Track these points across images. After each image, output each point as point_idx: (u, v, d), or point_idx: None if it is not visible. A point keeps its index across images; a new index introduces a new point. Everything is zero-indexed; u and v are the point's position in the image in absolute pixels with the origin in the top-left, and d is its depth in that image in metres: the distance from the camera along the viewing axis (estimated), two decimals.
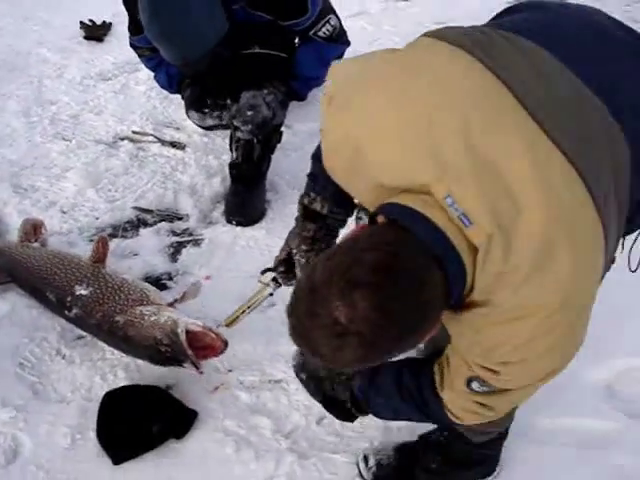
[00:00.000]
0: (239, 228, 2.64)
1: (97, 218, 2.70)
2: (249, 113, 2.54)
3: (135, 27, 2.58)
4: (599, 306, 2.12)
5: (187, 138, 3.12)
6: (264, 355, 2.16)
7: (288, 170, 2.91)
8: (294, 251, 1.72)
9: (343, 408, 1.73)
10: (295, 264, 1.74)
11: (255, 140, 2.62)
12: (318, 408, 1.97)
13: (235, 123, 2.60)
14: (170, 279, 2.45)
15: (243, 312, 1.98)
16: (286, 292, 2.28)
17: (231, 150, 2.72)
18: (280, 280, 1.84)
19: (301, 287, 1.14)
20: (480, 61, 1.18)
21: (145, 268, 2.47)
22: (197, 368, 1.93)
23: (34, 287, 2.26)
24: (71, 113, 3.33)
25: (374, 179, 1.24)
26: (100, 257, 2.24)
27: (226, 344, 1.96)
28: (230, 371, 2.11)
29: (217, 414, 1.98)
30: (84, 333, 2.20)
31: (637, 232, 1.50)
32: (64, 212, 2.72)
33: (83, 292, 2.12)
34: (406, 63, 1.27)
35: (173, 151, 3.05)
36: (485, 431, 1.58)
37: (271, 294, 1.94)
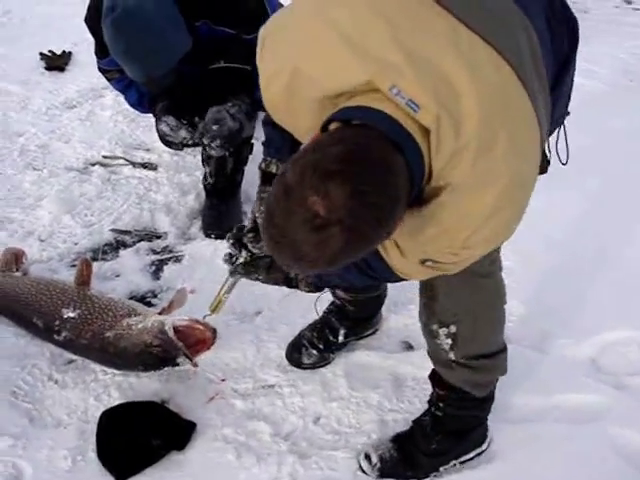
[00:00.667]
0: (218, 241, 2.66)
1: (76, 243, 2.71)
2: (214, 127, 2.56)
3: (101, 50, 2.60)
4: (579, 282, 2.20)
5: (158, 158, 3.16)
6: (255, 362, 2.19)
7: None
8: (257, 215, 1.78)
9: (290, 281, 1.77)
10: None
11: (227, 154, 2.65)
12: (314, 408, 2.02)
13: (204, 141, 2.62)
14: (155, 296, 2.47)
15: (224, 294, 1.97)
16: (272, 300, 2.35)
17: (204, 165, 2.75)
18: (250, 245, 1.83)
19: (274, 193, 1.16)
20: None
21: (129, 288, 2.49)
22: (191, 360, 1.98)
23: (20, 315, 2.27)
24: (39, 143, 3.34)
25: (317, 93, 1.30)
26: (84, 279, 2.26)
27: (215, 333, 2.02)
28: (223, 380, 2.13)
29: (215, 423, 2.00)
30: (74, 357, 2.21)
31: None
32: (42, 240, 2.73)
33: (71, 314, 2.14)
34: None
35: (145, 172, 3.08)
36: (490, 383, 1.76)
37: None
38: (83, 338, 2.11)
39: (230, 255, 1.85)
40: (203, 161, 2.75)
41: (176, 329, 2.02)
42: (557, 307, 2.28)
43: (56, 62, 4.07)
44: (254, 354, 2.21)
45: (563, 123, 1.63)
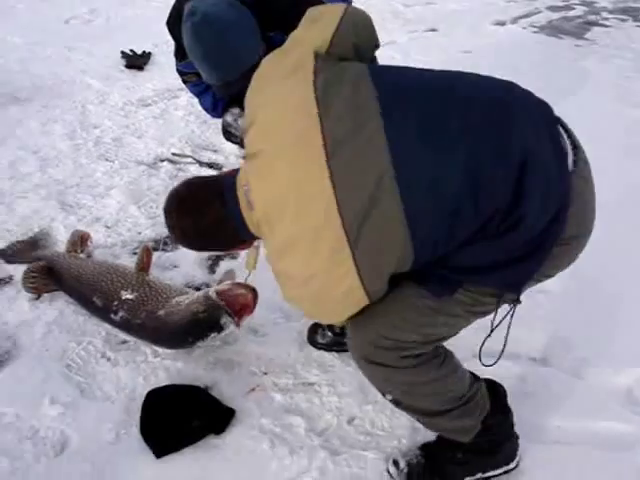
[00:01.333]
0: None
1: (139, 233, 2.84)
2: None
3: (181, 53, 2.72)
4: (619, 315, 2.23)
5: (224, 159, 3.28)
6: (297, 359, 2.26)
7: None
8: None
9: None
10: None
11: None
12: (349, 409, 2.08)
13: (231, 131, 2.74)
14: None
15: (256, 248, 2.06)
16: None
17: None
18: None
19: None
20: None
21: (185, 279, 2.60)
22: (233, 318, 2.12)
23: (82, 294, 2.39)
24: (114, 136, 3.51)
25: None
26: (144, 265, 2.38)
27: (255, 293, 2.14)
28: (265, 374, 2.21)
29: (253, 413, 2.08)
30: (128, 338, 2.32)
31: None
32: (108, 227, 2.87)
33: (129, 296, 2.26)
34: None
35: (211, 172, 3.20)
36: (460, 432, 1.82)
37: None
38: (138, 318, 2.23)
39: None
40: None
41: (219, 293, 2.16)
42: (598, 335, 2.30)
43: (136, 61, 4.25)
44: (297, 352, 2.29)
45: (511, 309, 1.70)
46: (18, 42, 4.66)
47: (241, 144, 2.91)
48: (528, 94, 1.60)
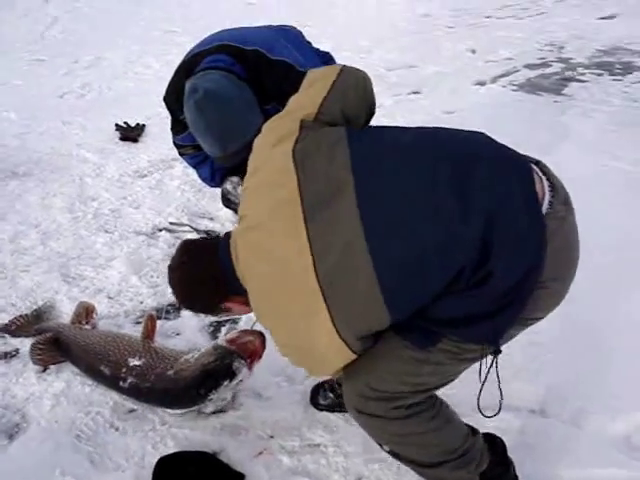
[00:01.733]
0: None
1: (141, 302, 2.91)
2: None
3: (177, 127, 2.84)
4: (612, 363, 2.30)
5: (220, 227, 3.37)
6: (302, 421, 2.31)
7: None
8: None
9: None
10: None
11: None
12: (356, 468, 2.12)
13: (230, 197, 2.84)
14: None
15: None
16: None
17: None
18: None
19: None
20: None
21: (188, 346, 2.64)
22: (247, 361, 2.20)
23: (88, 364, 2.45)
24: (112, 208, 3.60)
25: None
26: (149, 333, 2.44)
27: (263, 337, 2.22)
28: (272, 437, 2.26)
29: (262, 476, 2.12)
30: (135, 406, 2.37)
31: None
32: (110, 297, 2.94)
33: (136, 363, 2.32)
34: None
35: None
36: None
37: None
38: (147, 381, 2.28)
39: None
40: None
41: (228, 341, 2.25)
42: (595, 384, 2.36)
43: (130, 133, 4.37)
44: (302, 414, 2.34)
45: (493, 360, 1.73)
46: (14, 118, 4.79)
47: None
48: (499, 146, 1.68)
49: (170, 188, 3.75)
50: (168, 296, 2.92)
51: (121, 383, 2.33)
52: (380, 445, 1.86)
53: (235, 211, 3.07)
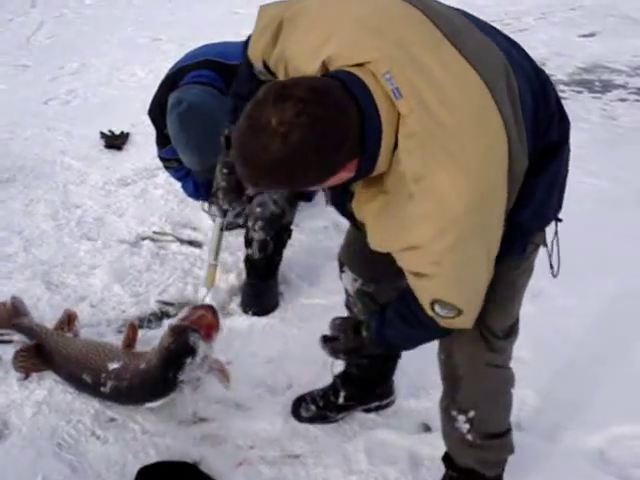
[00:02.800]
0: (255, 317, 2.87)
1: (124, 311, 2.92)
2: (258, 210, 2.80)
3: (162, 140, 2.86)
4: (586, 378, 2.35)
5: (203, 237, 3.39)
6: (283, 433, 2.34)
7: (297, 263, 3.18)
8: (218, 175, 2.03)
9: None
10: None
11: (268, 238, 2.88)
12: (335, 479, 2.15)
13: (248, 223, 2.85)
14: None
15: (214, 266, 2.25)
16: (303, 376, 2.51)
17: (246, 247, 2.97)
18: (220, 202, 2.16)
19: (247, 105, 1.38)
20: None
21: None
22: (201, 334, 2.23)
23: (70, 372, 2.46)
24: (95, 216, 3.61)
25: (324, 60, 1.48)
26: (130, 342, 2.47)
27: (214, 308, 2.29)
28: (252, 448, 2.29)
29: None
30: (117, 415, 2.39)
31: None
32: (93, 306, 2.95)
33: (115, 366, 2.35)
34: None
35: (191, 249, 3.31)
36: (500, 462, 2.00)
37: (221, 229, 2.31)
38: (125, 380, 2.33)
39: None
40: (246, 243, 2.96)
41: (180, 319, 2.31)
42: (569, 399, 2.41)
43: (114, 141, 4.39)
44: (282, 425, 2.37)
45: (556, 226, 1.78)
46: None
47: (228, 228, 3.00)
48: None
49: (154, 197, 3.76)
50: (150, 305, 2.96)
51: (102, 389, 2.36)
52: (466, 411, 1.88)
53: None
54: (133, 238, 3.41)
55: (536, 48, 6.07)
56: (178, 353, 2.25)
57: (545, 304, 2.76)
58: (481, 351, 1.81)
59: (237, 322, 2.87)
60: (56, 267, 3.20)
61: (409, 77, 1.38)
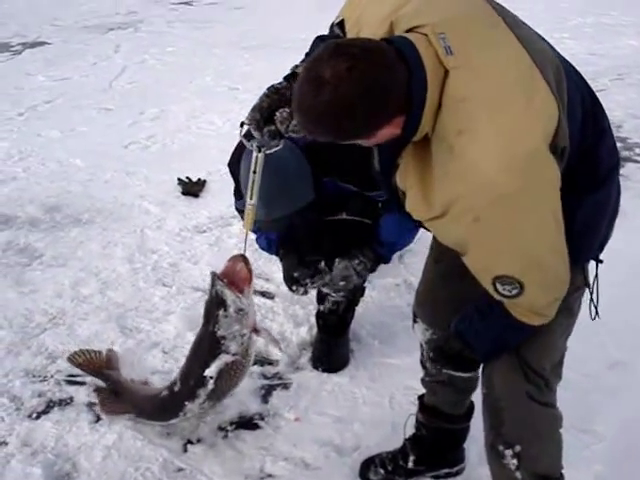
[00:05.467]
0: (325, 374, 2.86)
1: None
2: (341, 283, 2.77)
3: (240, 192, 2.90)
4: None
5: (276, 288, 3.42)
6: None
7: (369, 321, 3.17)
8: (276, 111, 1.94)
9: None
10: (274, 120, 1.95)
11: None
12: None
13: (326, 290, 2.85)
14: (262, 419, 2.65)
15: (252, 206, 2.22)
16: (371, 438, 2.49)
17: (318, 302, 2.98)
18: (255, 131, 2.03)
19: (308, 59, 1.54)
20: None
21: (239, 408, 2.68)
22: (227, 286, 2.24)
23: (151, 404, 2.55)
24: (171, 261, 3.68)
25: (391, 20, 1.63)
26: None
27: (243, 257, 2.30)
28: None
29: None
30: (184, 465, 2.41)
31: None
32: (165, 352, 2.99)
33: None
34: None
35: (263, 300, 3.34)
36: None
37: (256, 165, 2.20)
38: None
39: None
40: (318, 299, 2.97)
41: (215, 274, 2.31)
42: None
43: (191, 188, 4.48)
44: None
45: (597, 268, 1.82)
46: (80, 164, 4.94)
47: (304, 293, 2.95)
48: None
49: (228, 245, 3.82)
50: None
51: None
52: (512, 446, 1.87)
53: (300, 293, 3.05)
54: (207, 286, 3.44)
55: (612, 110, 6.00)
56: (208, 306, 2.29)
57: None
58: (520, 381, 1.83)
59: (307, 377, 2.87)
60: (131, 311, 3.27)
61: (463, 41, 1.51)
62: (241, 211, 3.04)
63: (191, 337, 3.01)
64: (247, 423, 2.58)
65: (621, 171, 5.39)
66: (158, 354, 2.98)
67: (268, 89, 1.96)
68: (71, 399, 2.74)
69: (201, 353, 2.37)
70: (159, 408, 2.52)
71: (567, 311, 1.79)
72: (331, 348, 2.92)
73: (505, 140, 1.44)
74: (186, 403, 2.40)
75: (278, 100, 1.90)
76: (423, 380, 2.30)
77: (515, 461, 1.87)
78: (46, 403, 2.72)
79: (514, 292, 1.59)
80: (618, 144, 5.63)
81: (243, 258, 2.30)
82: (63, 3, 10.69)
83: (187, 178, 4.55)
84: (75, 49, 8.15)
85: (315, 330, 3.03)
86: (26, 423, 2.61)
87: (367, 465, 2.39)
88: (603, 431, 2.50)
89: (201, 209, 4.25)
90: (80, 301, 3.35)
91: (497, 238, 1.53)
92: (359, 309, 3.08)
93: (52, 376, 2.85)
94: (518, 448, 1.86)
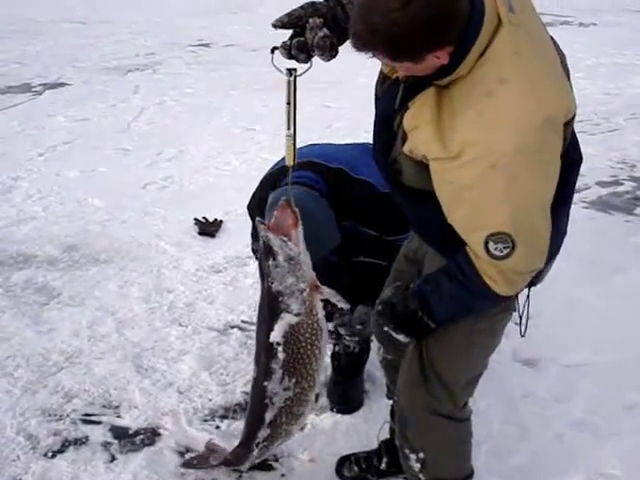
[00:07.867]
0: (339, 415, 2.86)
1: (210, 399, 2.97)
2: (358, 327, 2.81)
3: (257, 234, 2.93)
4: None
5: None
6: None
7: None
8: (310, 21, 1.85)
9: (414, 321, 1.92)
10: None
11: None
12: None
13: (341, 331, 2.86)
14: (276, 460, 2.65)
15: (290, 137, 2.17)
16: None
17: (334, 344, 2.99)
18: (294, 51, 1.89)
19: None
20: None
21: None
22: (273, 233, 2.15)
23: None
24: (186, 301, 3.71)
25: None
26: None
27: (288, 203, 2.18)
28: None
29: None
30: None
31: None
32: (180, 392, 3.01)
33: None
34: None
35: None
36: None
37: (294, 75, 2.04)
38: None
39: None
40: (334, 341, 2.98)
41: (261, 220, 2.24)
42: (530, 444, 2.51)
43: (208, 228, 4.53)
44: None
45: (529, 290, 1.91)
46: (98, 204, 5.01)
47: None
48: None
49: (244, 286, 3.85)
50: (237, 395, 2.99)
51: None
52: (416, 452, 2.02)
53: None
54: (222, 326, 3.49)
55: (626, 149, 6.02)
56: (260, 260, 2.19)
57: None
58: (422, 395, 1.94)
59: (322, 418, 2.87)
60: (147, 350, 3.29)
61: (522, 9, 1.63)
62: (257, 252, 3.08)
63: (206, 377, 3.07)
64: (261, 464, 2.57)
65: (637, 210, 5.42)
66: (173, 394, 2.99)
67: (306, 3, 1.92)
68: (87, 438, 2.76)
69: (263, 318, 2.21)
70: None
71: (491, 331, 1.89)
72: (346, 389, 2.93)
73: (542, 101, 1.56)
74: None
75: (312, 13, 1.86)
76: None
77: (419, 465, 2.02)
78: (62, 442, 2.73)
79: (505, 252, 1.62)
80: (632, 184, 5.68)
81: (287, 203, 2.20)
82: (84, 45, 10.92)
83: (204, 218, 4.60)
84: (95, 90, 8.30)
85: (330, 371, 3.04)
86: (42, 462, 2.62)
87: (342, 462, 2.53)
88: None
89: (217, 249, 4.29)
90: (97, 340, 3.38)
91: (507, 188, 1.57)
92: (374, 350, 3.08)
93: (68, 415, 2.87)
94: (422, 455, 2.01)
